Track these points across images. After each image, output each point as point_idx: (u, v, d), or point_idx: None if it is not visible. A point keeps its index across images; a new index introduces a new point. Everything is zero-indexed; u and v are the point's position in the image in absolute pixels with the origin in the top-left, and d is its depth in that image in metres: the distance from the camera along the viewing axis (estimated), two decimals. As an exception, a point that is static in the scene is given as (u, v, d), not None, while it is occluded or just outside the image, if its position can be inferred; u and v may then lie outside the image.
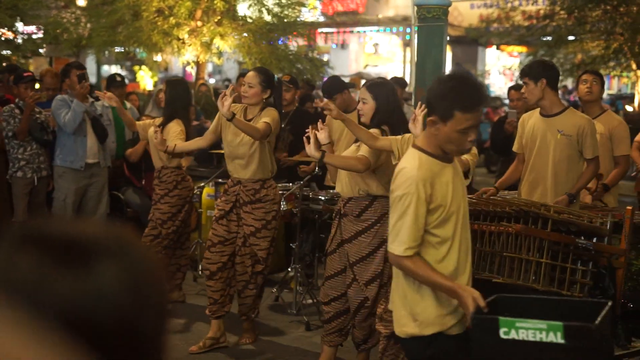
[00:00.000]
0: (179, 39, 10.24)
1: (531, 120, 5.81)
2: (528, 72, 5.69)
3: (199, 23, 10.26)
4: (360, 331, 5.31)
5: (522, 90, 5.79)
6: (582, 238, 5.08)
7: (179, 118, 6.60)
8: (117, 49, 13.11)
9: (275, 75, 6.05)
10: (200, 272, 7.94)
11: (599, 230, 5.14)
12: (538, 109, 5.82)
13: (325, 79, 17.22)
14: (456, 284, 3.35)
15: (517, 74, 23.66)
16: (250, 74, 5.88)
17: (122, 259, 1.02)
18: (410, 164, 3.37)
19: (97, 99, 7.75)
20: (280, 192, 6.74)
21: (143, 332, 1.02)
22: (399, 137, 4.88)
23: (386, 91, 5.21)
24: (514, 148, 5.98)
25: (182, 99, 6.78)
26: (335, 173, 5.35)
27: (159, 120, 6.77)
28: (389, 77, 23.40)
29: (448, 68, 25.32)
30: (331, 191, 6.61)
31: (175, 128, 6.50)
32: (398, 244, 3.35)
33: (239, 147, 5.78)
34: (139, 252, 1.05)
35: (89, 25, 11.13)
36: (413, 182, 3.31)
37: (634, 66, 14.07)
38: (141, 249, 1.05)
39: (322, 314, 5.65)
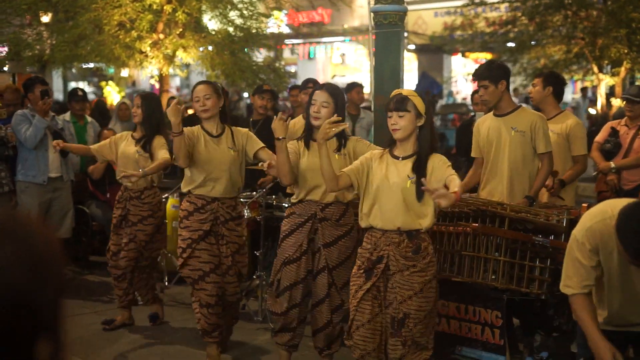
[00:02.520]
0: (141, 52, 10.24)
1: (486, 123, 5.89)
2: (488, 75, 5.73)
3: (161, 36, 10.27)
4: (325, 337, 5.32)
5: (481, 94, 5.80)
6: (540, 236, 5.16)
7: (159, 133, 6.52)
8: (84, 65, 13.07)
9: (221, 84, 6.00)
10: (166, 282, 7.94)
11: (555, 228, 5.22)
12: (492, 112, 5.90)
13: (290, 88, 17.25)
14: (595, 336, 3.48)
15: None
16: (202, 87, 5.65)
17: (17, 238, 1.07)
18: None
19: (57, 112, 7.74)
20: (243, 200, 6.77)
21: (40, 306, 1.06)
22: (356, 165, 4.65)
23: (343, 97, 5.25)
24: (472, 153, 6.05)
25: (158, 111, 6.69)
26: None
27: (123, 135, 6.73)
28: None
29: (414, 75, 25.24)
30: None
31: (159, 141, 6.45)
32: None
33: (220, 164, 5.60)
34: (35, 232, 1.09)
35: (52, 41, 11.09)
36: None
37: (595, 69, 14.27)
38: (38, 229, 1.10)
39: (275, 324, 5.52)
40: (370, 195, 4.55)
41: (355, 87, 9.42)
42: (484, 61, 25.24)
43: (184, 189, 5.73)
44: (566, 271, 3.65)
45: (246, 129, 5.92)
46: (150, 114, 6.54)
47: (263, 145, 5.71)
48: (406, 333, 4.49)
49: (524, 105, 6.11)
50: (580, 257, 3.53)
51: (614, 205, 3.42)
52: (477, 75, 5.84)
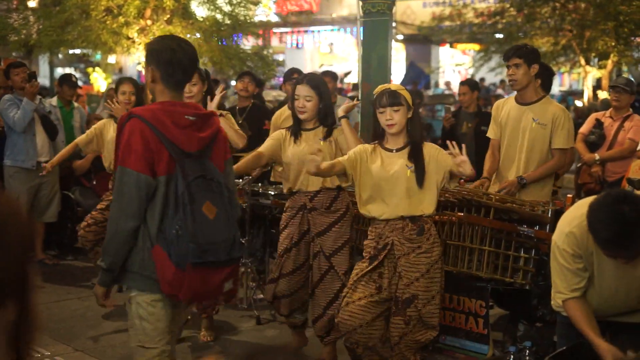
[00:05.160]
0: (128, 38, 10.19)
1: (506, 107, 5.75)
2: (522, 54, 5.53)
3: (149, 22, 10.22)
4: (324, 323, 5.34)
5: (511, 72, 5.57)
6: (525, 226, 5.18)
7: None
8: (71, 51, 13.01)
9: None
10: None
11: (540, 218, 5.25)
12: (514, 96, 5.76)
13: (279, 77, 17.23)
14: (593, 339, 3.46)
15: (471, 71, 23.89)
16: None
17: None
18: None
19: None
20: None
21: (3, 273, 1.08)
22: (350, 156, 4.65)
23: (326, 87, 5.24)
24: (489, 134, 5.89)
25: (140, 96, 6.72)
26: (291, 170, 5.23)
27: (106, 123, 6.69)
28: (345, 77, 23.33)
29: (402, 65, 25.10)
30: (280, 186, 6.61)
31: None
32: None
33: None
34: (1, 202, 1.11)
35: (39, 26, 11.03)
36: None
37: (582, 62, 14.31)
38: (2, 199, 1.11)
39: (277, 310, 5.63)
40: (368, 188, 4.61)
41: (324, 76, 9.40)
42: (472, 52, 25.24)
43: None
44: (554, 281, 3.63)
45: (226, 111, 5.93)
46: (139, 100, 6.59)
47: (237, 126, 5.71)
48: (412, 313, 4.56)
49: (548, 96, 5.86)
50: (564, 262, 3.52)
51: (586, 205, 3.42)
52: (510, 54, 5.59)
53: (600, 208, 3.23)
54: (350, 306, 4.60)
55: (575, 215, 3.48)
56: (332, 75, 9.44)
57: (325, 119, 5.16)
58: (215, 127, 3.67)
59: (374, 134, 4.71)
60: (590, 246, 3.42)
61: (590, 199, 3.43)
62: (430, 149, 4.59)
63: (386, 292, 4.60)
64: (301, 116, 5.13)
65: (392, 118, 4.52)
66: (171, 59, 3.54)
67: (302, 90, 5.12)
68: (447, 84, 25.52)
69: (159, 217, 3.43)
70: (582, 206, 3.45)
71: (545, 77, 6.49)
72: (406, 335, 4.62)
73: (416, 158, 4.54)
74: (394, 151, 4.60)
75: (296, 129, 5.22)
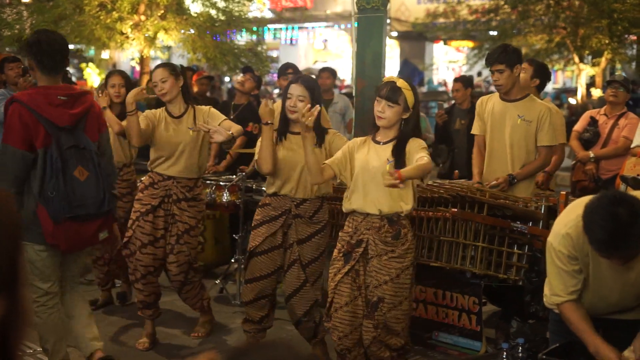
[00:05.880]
0: (122, 34, 10.17)
1: (490, 103, 5.76)
2: (504, 59, 5.55)
3: (143, 17, 10.19)
4: (307, 330, 5.30)
5: (495, 78, 5.62)
6: (518, 222, 5.18)
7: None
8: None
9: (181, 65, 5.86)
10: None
11: (533, 215, 5.25)
12: (498, 93, 5.76)
13: (273, 74, 17.22)
14: (595, 341, 3.46)
15: (465, 68, 23.92)
16: (158, 70, 5.58)
17: None
18: None
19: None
20: (222, 183, 6.75)
21: None
22: (338, 157, 4.60)
23: (318, 89, 5.11)
24: (474, 130, 5.90)
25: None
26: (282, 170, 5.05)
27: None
28: (338, 73, 23.38)
29: (396, 62, 25.05)
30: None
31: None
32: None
33: (177, 145, 5.57)
34: None
35: (32, 21, 10.98)
36: None
37: (576, 59, 14.34)
38: None
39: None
40: (352, 181, 4.56)
41: (323, 72, 9.34)
42: (465, 49, 25.26)
43: (148, 167, 5.76)
44: (550, 282, 3.63)
45: (208, 106, 5.84)
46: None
47: (225, 117, 5.64)
48: (379, 317, 4.52)
49: (531, 94, 5.81)
50: (560, 264, 3.52)
51: (581, 206, 3.41)
52: (493, 60, 5.63)
53: (595, 209, 3.22)
54: (339, 312, 4.56)
55: (571, 216, 3.48)
56: (331, 72, 9.40)
57: (317, 125, 4.87)
58: (87, 105, 4.45)
59: (371, 124, 4.65)
60: (585, 247, 3.41)
61: (585, 200, 3.42)
62: (412, 145, 4.48)
63: (366, 290, 4.58)
64: (291, 116, 4.97)
65: (383, 112, 4.46)
66: (41, 50, 4.30)
67: (296, 89, 4.98)
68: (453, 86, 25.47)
69: (39, 182, 4.26)
70: (577, 207, 3.44)
71: (544, 81, 6.55)
72: (375, 339, 4.57)
73: (398, 153, 4.47)
74: (381, 143, 4.56)
75: (283, 129, 5.07)
